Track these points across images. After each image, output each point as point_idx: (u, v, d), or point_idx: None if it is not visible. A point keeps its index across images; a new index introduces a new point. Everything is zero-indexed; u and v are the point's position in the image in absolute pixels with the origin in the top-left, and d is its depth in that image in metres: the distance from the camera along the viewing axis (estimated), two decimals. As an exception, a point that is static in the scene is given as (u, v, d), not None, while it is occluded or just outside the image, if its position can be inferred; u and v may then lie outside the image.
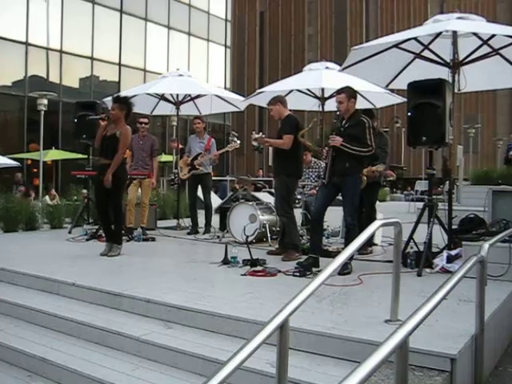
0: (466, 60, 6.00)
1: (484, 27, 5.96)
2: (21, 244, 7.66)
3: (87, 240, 7.82)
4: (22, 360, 3.99)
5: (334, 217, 6.93)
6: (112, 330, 4.01)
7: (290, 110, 6.84)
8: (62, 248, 7.19)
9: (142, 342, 3.78)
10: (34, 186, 18.97)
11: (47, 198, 15.37)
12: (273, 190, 9.96)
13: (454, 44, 5.89)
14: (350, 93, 5.66)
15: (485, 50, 6.01)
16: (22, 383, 3.52)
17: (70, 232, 8.50)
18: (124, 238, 7.18)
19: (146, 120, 8.85)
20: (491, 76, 6.64)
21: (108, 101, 8.45)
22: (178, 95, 9.92)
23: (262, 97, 8.99)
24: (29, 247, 7.32)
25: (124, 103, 6.72)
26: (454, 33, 5.82)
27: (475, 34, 5.96)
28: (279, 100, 6.67)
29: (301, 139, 6.36)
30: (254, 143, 6.89)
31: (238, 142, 8.75)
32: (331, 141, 5.55)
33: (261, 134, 6.80)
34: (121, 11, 29.67)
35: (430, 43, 6.23)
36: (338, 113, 5.71)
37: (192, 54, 34.02)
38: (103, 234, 7.29)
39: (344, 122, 5.65)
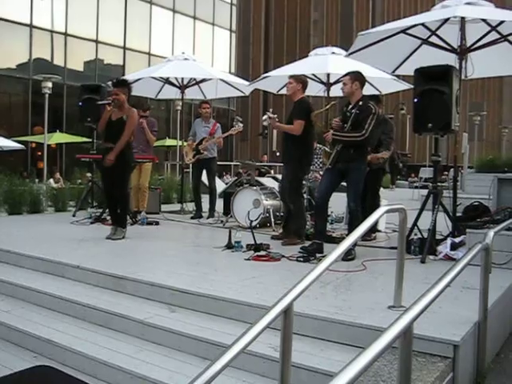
0: (474, 46, 5.95)
1: (493, 13, 5.89)
2: (25, 227, 7.68)
3: (91, 223, 7.84)
4: (28, 341, 4.02)
5: (338, 203, 6.92)
6: (116, 312, 4.04)
7: None
8: (67, 231, 7.21)
9: (146, 325, 3.81)
10: (38, 169, 19.01)
11: (51, 181, 15.41)
12: (277, 175, 9.84)
13: (462, 30, 5.84)
14: (354, 76, 5.63)
15: (493, 36, 5.96)
16: (28, 364, 3.54)
17: (74, 215, 8.53)
18: (128, 221, 7.20)
19: (147, 114, 9.00)
20: (499, 62, 6.58)
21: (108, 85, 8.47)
22: (183, 79, 9.89)
23: (267, 81, 8.97)
24: (33, 230, 7.34)
25: (125, 86, 6.72)
26: (462, 19, 5.76)
27: (484, 20, 5.89)
28: (301, 81, 6.41)
29: (314, 118, 6.18)
30: (265, 123, 6.73)
31: (241, 125, 8.72)
32: (327, 137, 5.64)
33: (276, 115, 6.63)
34: (126, -6, 29.45)
35: (438, 29, 6.17)
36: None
37: (197, 37, 33.79)
38: (108, 218, 7.31)
39: (350, 106, 5.63)
